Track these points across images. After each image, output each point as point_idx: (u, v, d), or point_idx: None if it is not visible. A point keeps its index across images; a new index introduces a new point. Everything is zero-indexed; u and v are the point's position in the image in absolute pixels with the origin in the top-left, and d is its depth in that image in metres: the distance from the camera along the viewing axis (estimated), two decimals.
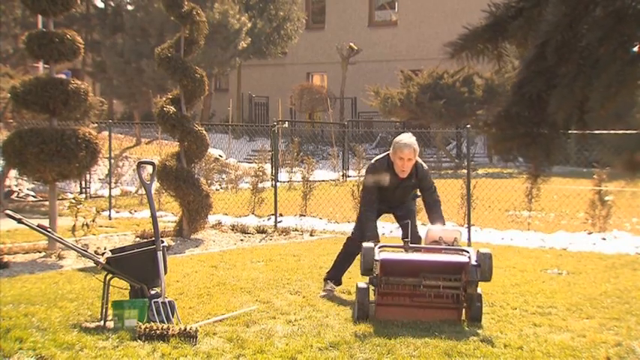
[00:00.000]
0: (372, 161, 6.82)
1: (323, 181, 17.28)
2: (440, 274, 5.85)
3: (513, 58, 3.30)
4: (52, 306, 6.10)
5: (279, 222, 11.72)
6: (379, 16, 34.87)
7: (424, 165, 6.84)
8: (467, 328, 5.61)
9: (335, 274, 6.85)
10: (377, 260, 5.79)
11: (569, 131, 2.88)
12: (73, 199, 10.15)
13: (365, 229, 6.62)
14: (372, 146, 27.17)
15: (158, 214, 10.12)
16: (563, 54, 2.76)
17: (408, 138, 6.60)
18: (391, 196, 6.76)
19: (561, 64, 2.76)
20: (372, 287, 5.89)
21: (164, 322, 5.36)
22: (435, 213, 6.66)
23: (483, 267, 5.75)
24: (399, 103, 24.61)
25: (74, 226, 9.73)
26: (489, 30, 3.07)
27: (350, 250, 6.79)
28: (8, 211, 5.69)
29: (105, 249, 7.17)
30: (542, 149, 2.87)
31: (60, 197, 12.35)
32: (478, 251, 5.88)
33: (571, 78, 2.69)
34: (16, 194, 15.33)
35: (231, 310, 6.07)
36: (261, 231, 11.02)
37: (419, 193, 6.92)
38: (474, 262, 5.76)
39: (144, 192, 11.01)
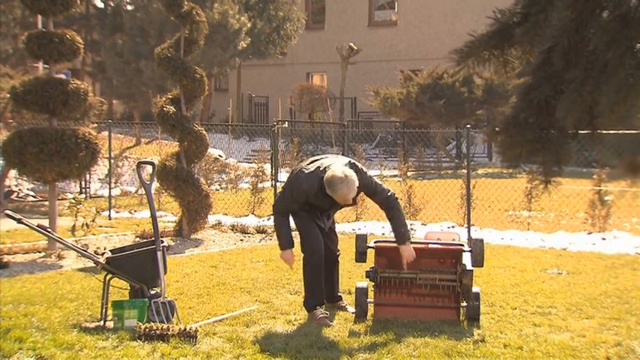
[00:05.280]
0: (302, 178, 5.72)
1: None
2: (436, 258, 5.93)
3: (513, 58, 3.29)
4: (52, 306, 6.10)
5: None
6: (379, 16, 34.85)
7: (359, 166, 5.83)
8: (466, 328, 5.61)
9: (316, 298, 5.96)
10: (371, 247, 5.89)
11: (579, 132, 2.87)
12: (73, 199, 10.16)
13: (280, 233, 5.94)
14: (372, 146, 27.17)
15: (158, 214, 10.13)
16: (570, 59, 2.74)
17: (342, 178, 5.51)
18: (323, 210, 5.96)
19: (568, 69, 2.75)
20: (370, 282, 5.93)
21: (164, 322, 5.36)
22: (395, 229, 5.78)
23: (475, 251, 5.82)
24: (398, 103, 24.60)
25: (74, 226, 9.74)
26: (495, 37, 3.06)
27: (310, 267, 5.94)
28: (8, 211, 5.69)
29: (105, 249, 7.17)
30: (552, 154, 2.86)
31: (60, 197, 12.35)
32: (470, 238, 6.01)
33: (579, 83, 2.68)
34: (16, 194, 15.32)
35: (231, 310, 6.07)
36: (261, 231, 11.02)
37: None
38: (467, 249, 5.89)
39: (144, 192, 11.01)
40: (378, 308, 5.92)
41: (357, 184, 5.59)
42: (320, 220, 6.00)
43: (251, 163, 19.58)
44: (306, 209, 5.88)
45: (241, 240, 10.43)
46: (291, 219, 6.00)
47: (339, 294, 6.30)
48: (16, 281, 7.25)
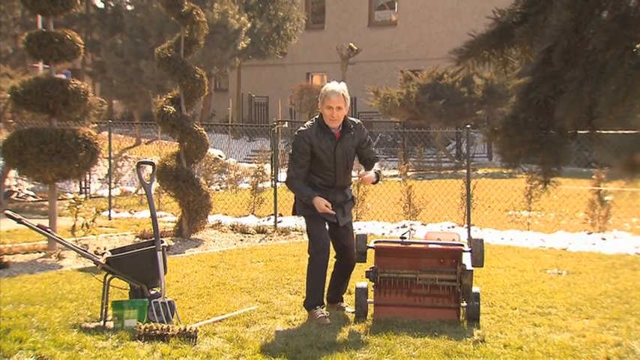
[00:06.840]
0: (301, 130, 5.95)
1: None
2: (436, 258, 5.94)
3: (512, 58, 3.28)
4: (52, 306, 6.10)
5: (279, 222, 11.72)
6: (379, 16, 34.86)
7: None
8: (466, 328, 5.61)
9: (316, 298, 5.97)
10: (371, 247, 5.89)
11: (578, 132, 2.87)
12: (73, 199, 10.15)
13: (302, 191, 5.84)
14: (372, 146, 27.15)
15: (158, 214, 10.13)
16: (569, 59, 2.75)
17: (336, 85, 5.97)
18: (330, 163, 5.92)
19: (568, 69, 2.75)
20: (370, 282, 5.94)
21: (164, 322, 5.36)
22: (370, 165, 6.15)
23: (475, 251, 5.84)
24: (398, 103, 24.60)
25: (74, 226, 9.73)
26: (494, 36, 3.05)
27: (314, 266, 5.97)
28: (8, 211, 5.69)
29: (105, 249, 7.17)
30: (551, 154, 2.86)
31: (60, 197, 12.35)
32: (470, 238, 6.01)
33: (578, 83, 2.68)
34: (16, 194, 15.32)
35: (231, 310, 6.07)
36: (261, 231, 11.02)
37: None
38: (467, 249, 5.91)
39: (144, 192, 11.01)
40: (378, 308, 5.92)
41: (348, 97, 5.92)
42: (334, 214, 5.94)
43: (251, 163, 19.59)
44: (316, 171, 5.91)
45: (241, 240, 10.43)
46: (301, 220, 6.01)
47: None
48: (16, 281, 7.26)
